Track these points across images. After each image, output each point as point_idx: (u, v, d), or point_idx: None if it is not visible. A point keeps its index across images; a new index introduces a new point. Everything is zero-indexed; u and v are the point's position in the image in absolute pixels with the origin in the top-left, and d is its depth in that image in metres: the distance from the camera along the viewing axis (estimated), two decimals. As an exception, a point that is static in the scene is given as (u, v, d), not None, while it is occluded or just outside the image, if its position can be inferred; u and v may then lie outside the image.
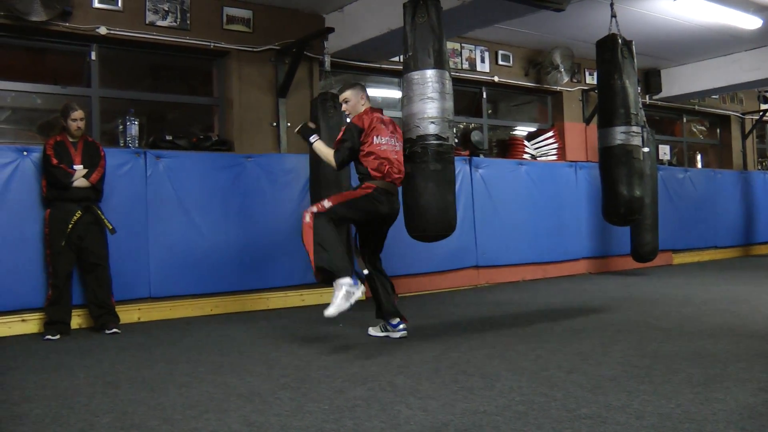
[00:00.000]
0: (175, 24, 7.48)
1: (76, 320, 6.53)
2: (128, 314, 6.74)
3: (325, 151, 5.47)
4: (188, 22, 7.56)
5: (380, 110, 5.61)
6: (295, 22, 8.11)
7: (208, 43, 7.67)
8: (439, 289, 8.86)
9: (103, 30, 7.09)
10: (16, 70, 7.37)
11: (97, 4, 7.09)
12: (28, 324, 6.38)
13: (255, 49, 7.95)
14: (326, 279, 5.06)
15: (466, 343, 5.12)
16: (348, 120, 5.64)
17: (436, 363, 4.45)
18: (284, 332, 5.93)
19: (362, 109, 5.51)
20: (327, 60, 7.52)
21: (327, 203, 5.17)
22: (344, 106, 5.60)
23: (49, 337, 6.05)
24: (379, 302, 5.59)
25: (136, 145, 7.30)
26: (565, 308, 6.94)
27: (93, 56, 7.31)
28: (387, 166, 5.36)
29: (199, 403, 3.59)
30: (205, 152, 7.52)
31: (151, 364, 4.71)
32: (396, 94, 9.43)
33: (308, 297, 7.77)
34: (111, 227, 6.28)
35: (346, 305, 4.86)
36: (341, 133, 5.42)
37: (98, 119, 7.31)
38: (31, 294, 6.34)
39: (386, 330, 5.53)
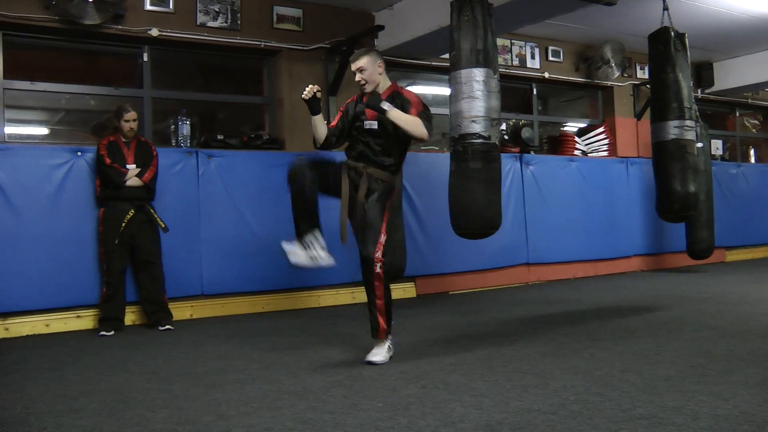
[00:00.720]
0: (225, 24, 7.54)
1: (130, 317, 6.64)
2: (181, 311, 6.83)
3: (408, 119, 4.55)
4: (239, 22, 7.61)
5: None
6: (345, 20, 8.12)
7: (259, 43, 7.71)
8: (490, 286, 8.82)
9: (154, 32, 7.17)
10: (70, 72, 7.51)
11: (148, 7, 7.18)
12: (83, 320, 6.50)
13: (305, 48, 7.97)
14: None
15: (518, 341, 5.08)
16: (367, 90, 4.70)
17: (489, 361, 4.41)
18: (336, 330, 5.95)
19: (381, 80, 4.73)
20: (378, 58, 7.51)
21: (383, 237, 4.66)
22: (359, 76, 4.68)
23: (104, 333, 6.15)
24: None
25: (188, 144, 7.38)
26: (618, 306, 6.85)
27: (145, 58, 7.40)
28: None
29: (252, 400, 3.61)
30: (256, 151, 7.57)
31: (204, 361, 4.75)
32: (446, 91, 9.38)
33: (359, 295, 7.72)
34: (164, 225, 6.36)
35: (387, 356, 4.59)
36: (419, 104, 4.66)
37: (150, 120, 7.40)
38: (85, 291, 6.46)
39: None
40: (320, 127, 4.81)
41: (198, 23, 7.41)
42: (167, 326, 6.34)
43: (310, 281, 7.53)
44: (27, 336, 6.21)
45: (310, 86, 4.65)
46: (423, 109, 4.66)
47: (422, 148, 8.93)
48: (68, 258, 6.40)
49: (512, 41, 9.62)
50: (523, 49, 9.74)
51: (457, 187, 5.43)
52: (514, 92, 10.03)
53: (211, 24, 7.46)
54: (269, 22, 7.82)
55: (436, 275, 8.48)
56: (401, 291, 8.14)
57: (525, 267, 9.23)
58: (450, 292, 8.49)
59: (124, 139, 6.42)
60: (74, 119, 7.90)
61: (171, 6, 7.26)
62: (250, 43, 7.69)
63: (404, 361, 4.49)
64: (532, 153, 9.57)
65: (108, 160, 6.25)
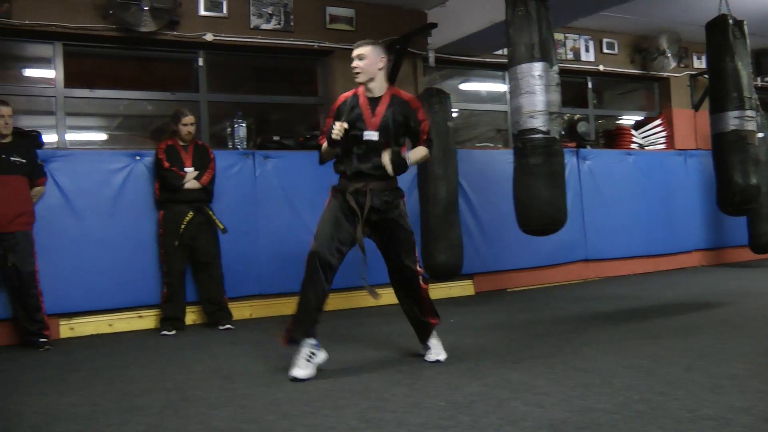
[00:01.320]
0: (279, 26, 7.60)
1: (191, 317, 6.75)
2: (240, 311, 6.92)
3: (421, 154, 4.54)
4: (291, 23, 7.67)
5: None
6: (398, 18, 8.12)
7: (312, 43, 7.77)
8: (548, 283, 8.76)
9: (209, 36, 7.27)
10: (128, 79, 7.65)
11: (203, 12, 7.29)
12: (145, 320, 6.63)
13: (358, 48, 7.97)
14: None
15: (578, 339, 5.02)
16: (359, 80, 4.41)
17: (550, 359, 4.38)
18: (394, 329, 5.93)
19: (379, 78, 4.41)
20: (431, 56, 7.51)
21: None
22: (356, 63, 4.36)
23: (165, 332, 6.26)
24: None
25: (245, 146, 7.45)
26: (679, 303, 6.72)
27: (200, 62, 7.52)
28: None
29: (315, 399, 3.63)
30: (311, 151, 7.57)
31: (265, 360, 4.81)
32: (500, 87, 9.35)
33: (415, 293, 7.78)
34: (222, 227, 6.44)
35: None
36: (423, 110, 4.46)
37: (207, 123, 7.51)
38: (147, 291, 6.59)
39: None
40: (333, 153, 4.51)
41: (252, 26, 7.50)
42: (227, 326, 6.42)
43: (369, 281, 7.49)
44: (91, 335, 6.36)
45: (339, 124, 4.27)
46: (426, 117, 4.49)
47: (477, 145, 8.90)
48: (129, 260, 6.54)
49: (566, 35, 9.53)
50: (577, 43, 9.64)
51: (518, 184, 5.41)
52: (569, 86, 9.90)
53: (264, 26, 7.53)
54: (322, 22, 7.87)
55: (493, 272, 8.44)
56: (459, 288, 8.13)
57: (583, 263, 9.14)
58: (508, 290, 8.44)
59: (182, 143, 6.51)
60: (132, 124, 8.04)
61: (225, 10, 7.35)
62: (303, 44, 7.75)
63: (465, 360, 4.48)
64: (588, 147, 9.48)
65: (167, 164, 6.35)
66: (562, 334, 5.28)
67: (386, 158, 4.32)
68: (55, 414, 3.61)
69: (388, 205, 4.40)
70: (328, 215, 4.45)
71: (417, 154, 4.49)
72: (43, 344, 5.87)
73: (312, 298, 4.28)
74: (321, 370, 4.26)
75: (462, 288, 8.20)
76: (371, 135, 4.32)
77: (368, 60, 4.34)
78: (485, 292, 8.30)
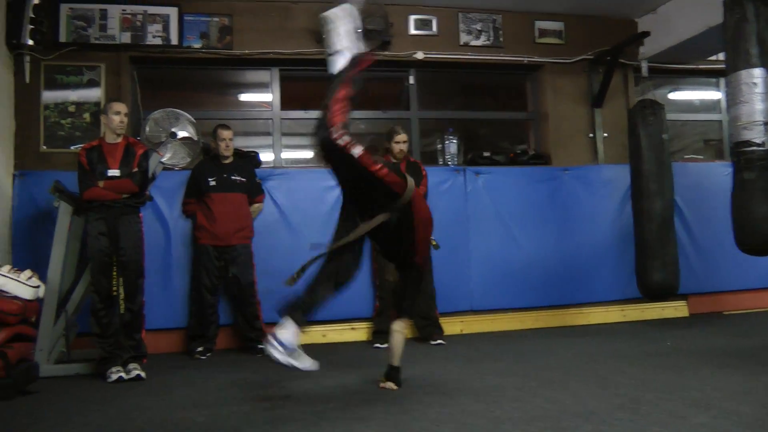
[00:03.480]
0: (488, 42, 7.64)
1: (403, 331, 6.84)
2: (451, 326, 6.95)
3: None
4: (501, 39, 7.69)
5: None
6: (607, 29, 7.94)
7: (522, 58, 7.74)
8: (768, 306, 8.18)
9: (420, 55, 7.42)
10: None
11: (413, 31, 7.47)
12: (357, 332, 6.86)
13: (568, 61, 7.89)
14: None
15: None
16: None
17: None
18: (609, 349, 5.75)
19: None
20: (644, 66, 7.28)
21: None
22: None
23: (378, 345, 6.39)
24: None
25: (456, 162, 7.51)
26: None
27: (411, 80, 7.66)
28: None
29: (535, 419, 3.55)
30: (522, 167, 7.58)
31: (480, 376, 4.75)
32: (714, 95, 8.94)
33: (629, 312, 7.55)
34: (435, 243, 6.48)
35: None
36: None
37: (418, 139, 7.63)
38: (360, 305, 6.77)
39: None
40: None
41: (461, 43, 7.59)
42: (439, 341, 6.46)
43: (580, 298, 7.42)
44: (306, 344, 6.47)
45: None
46: None
47: (684, 157, 8.54)
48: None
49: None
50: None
51: (734, 199, 5.14)
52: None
53: (474, 43, 7.59)
54: (531, 37, 7.84)
55: (709, 293, 7.98)
56: (672, 309, 7.79)
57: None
58: (724, 312, 7.97)
59: (394, 160, 6.63)
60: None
61: (435, 29, 7.49)
62: (513, 59, 7.74)
63: (687, 386, 4.24)
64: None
65: (382, 182, 6.49)
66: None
67: None
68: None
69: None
70: None
71: None
72: (261, 350, 6.16)
73: None
74: (537, 391, 4.19)
75: (675, 309, 7.83)
76: None
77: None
78: (700, 314, 7.86)
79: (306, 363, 4.13)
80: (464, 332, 7.06)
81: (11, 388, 4.54)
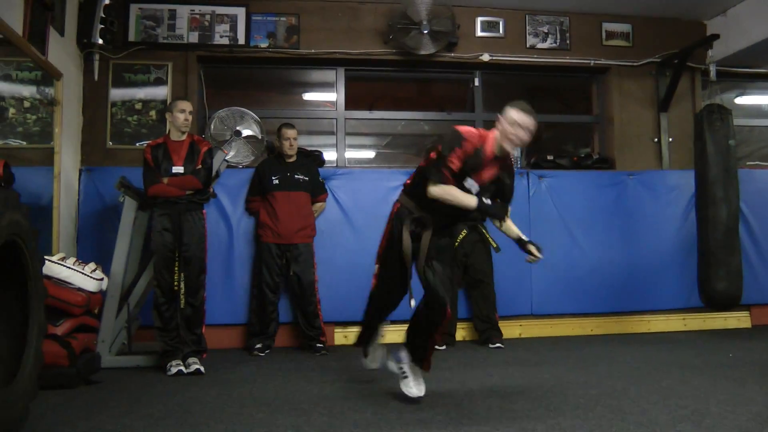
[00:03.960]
0: (555, 45, 7.60)
1: (461, 333, 6.86)
2: (510, 330, 6.94)
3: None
4: (568, 42, 7.64)
5: None
6: (675, 31, 7.82)
7: (588, 61, 7.69)
8: None
9: (486, 57, 7.42)
10: (405, 100, 7.97)
11: (479, 33, 7.48)
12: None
13: (635, 64, 7.79)
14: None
15: None
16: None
17: None
18: (672, 358, 5.67)
19: None
20: (712, 69, 7.14)
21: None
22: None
23: (436, 347, 6.38)
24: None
25: (519, 165, 7.49)
26: None
27: (476, 82, 7.66)
28: None
29: (596, 428, 3.52)
30: (586, 171, 7.52)
31: (540, 382, 4.74)
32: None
33: (691, 321, 7.44)
34: (496, 245, 6.49)
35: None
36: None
37: (482, 142, 7.59)
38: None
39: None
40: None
41: (528, 45, 7.56)
42: (498, 344, 6.44)
43: (641, 305, 7.34)
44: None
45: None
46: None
47: (748, 163, 8.38)
48: (405, 275, 6.73)
49: None
50: None
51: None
52: None
53: (540, 45, 7.56)
54: (598, 39, 7.76)
55: (773, 303, 7.81)
56: (735, 320, 7.63)
57: None
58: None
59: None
60: (401, 143, 8.31)
61: (501, 31, 7.47)
62: (579, 62, 7.69)
63: (753, 401, 4.16)
64: None
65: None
66: None
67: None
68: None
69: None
70: None
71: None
72: (320, 349, 6.27)
73: None
74: (599, 399, 4.17)
75: (738, 320, 7.66)
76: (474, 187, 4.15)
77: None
78: (763, 325, 7.67)
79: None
80: (523, 336, 7.05)
81: (75, 377, 4.67)
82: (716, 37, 7.35)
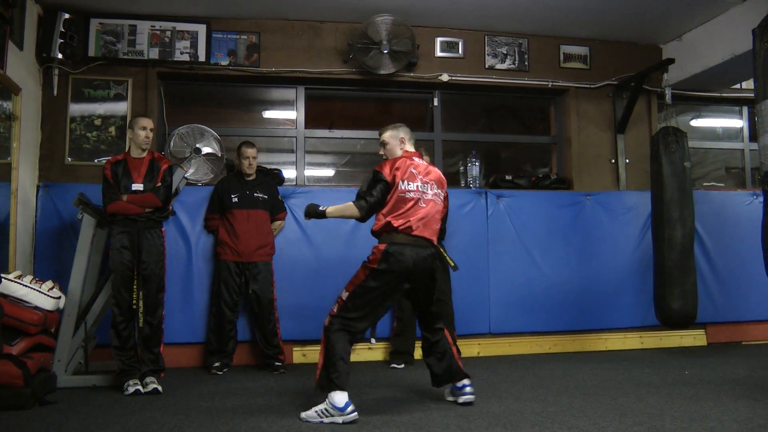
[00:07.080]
0: (513, 66, 7.67)
1: (419, 351, 6.81)
2: (468, 348, 6.96)
3: (341, 208, 4.56)
4: (526, 63, 7.71)
5: (418, 154, 4.75)
6: (632, 54, 7.95)
7: (547, 82, 7.76)
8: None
9: (445, 77, 7.46)
10: (364, 119, 8.01)
11: (439, 53, 7.52)
12: (375, 352, 6.91)
13: (592, 86, 7.90)
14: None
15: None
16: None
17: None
18: (628, 376, 5.73)
19: (400, 153, 4.66)
20: (668, 92, 7.27)
21: (344, 294, 4.38)
22: (382, 150, 4.76)
23: (395, 365, 6.42)
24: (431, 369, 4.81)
25: (478, 185, 7.53)
26: None
27: (435, 102, 7.70)
28: (411, 219, 4.46)
29: None
30: (544, 191, 7.59)
31: (499, 400, 4.75)
32: (737, 123, 8.92)
33: (647, 340, 7.52)
34: (453, 264, 6.48)
35: (316, 419, 4.15)
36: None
37: (441, 161, 7.65)
38: (378, 325, 6.68)
39: (454, 394, 4.73)
40: None
41: (487, 66, 7.62)
42: (456, 363, 6.45)
43: (599, 324, 7.41)
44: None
45: None
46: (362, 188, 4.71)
47: (704, 184, 8.53)
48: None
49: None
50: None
51: (765, 229, 5.10)
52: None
53: (499, 66, 7.63)
54: (556, 61, 7.85)
55: (727, 323, 7.87)
56: (691, 338, 7.74)
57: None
58: (743, 342, 7.92)
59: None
60: (359, 161, 8.33)
61: (461, 51, 7.53)
62: (538, 83, 7.76)
63: (709, 418, 4.19)
64: None
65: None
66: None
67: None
68: None
69: None
70: None
71: (335, 207, 4.63)
72: (279, 368, 6.24)
73: None
74: (556, 417, 4.19)
75: (693, 338, 7.77)
76: None
77: (390, 145, 4.72)
78: (718, 343, 7.80)
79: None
80: (481, 355, 7.06)
81: (30, 397, 4.60)
82: (672, 61, 7.48)
